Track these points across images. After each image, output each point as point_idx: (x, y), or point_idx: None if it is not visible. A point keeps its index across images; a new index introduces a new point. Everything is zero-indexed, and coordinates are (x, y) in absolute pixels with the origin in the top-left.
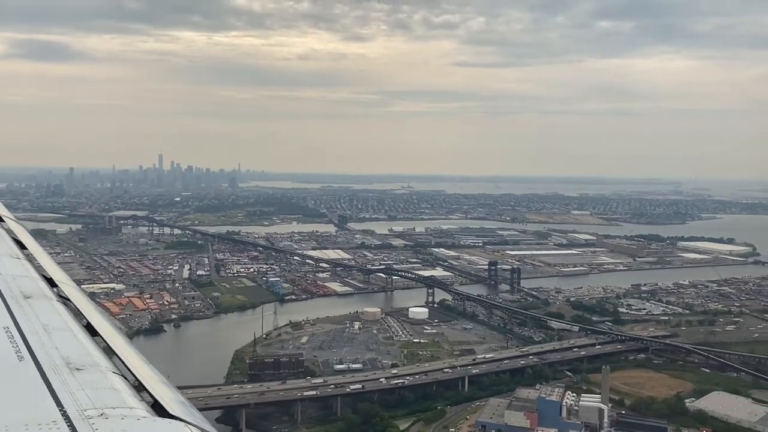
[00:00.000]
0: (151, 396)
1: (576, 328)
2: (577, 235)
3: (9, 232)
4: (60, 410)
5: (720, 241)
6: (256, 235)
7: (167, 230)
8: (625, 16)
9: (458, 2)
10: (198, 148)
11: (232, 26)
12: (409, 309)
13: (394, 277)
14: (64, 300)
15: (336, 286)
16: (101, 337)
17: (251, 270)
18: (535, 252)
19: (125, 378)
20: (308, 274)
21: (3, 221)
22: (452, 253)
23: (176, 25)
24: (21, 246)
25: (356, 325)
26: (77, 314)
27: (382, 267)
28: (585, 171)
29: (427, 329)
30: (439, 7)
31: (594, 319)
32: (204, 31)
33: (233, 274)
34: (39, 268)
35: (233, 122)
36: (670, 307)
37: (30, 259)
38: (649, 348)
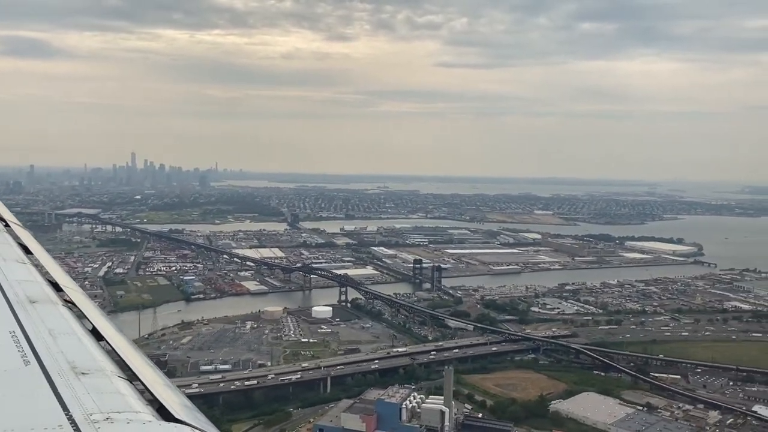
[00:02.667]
0: (157, 400)
1: (471, 327)
2: (526, 234)
3: (14, 236)
4: (66, 414)
5: (669, 241)
6: (199, 234)
7: (110, 228)
8: (606, 19)
9: (441, 3)
10: (177, 147)
11: (214, 24)
12: (313, 308)
13: (312, 276)
14: (70, 304)
15: (251, 285)
16: (107, 341)
17: (173, 268)
18: (475, 250)
19: (131, 382)
20: (229, 273)
21: (9, 226)
22: (390, 251)
23: (158, 23)
24: (26, 251)
25: (248, 324)
26: (82, 319)
27: (298, 266)
28: (566, 173)
29: (323, 328)
30: (422, 8)
31: (499, 318)
32: (186, 29)
33: (153, 272)
34: (44, 273)
35: (216, 121)
36: (586, 306)
37: (35, 263)
38: (540, 348)
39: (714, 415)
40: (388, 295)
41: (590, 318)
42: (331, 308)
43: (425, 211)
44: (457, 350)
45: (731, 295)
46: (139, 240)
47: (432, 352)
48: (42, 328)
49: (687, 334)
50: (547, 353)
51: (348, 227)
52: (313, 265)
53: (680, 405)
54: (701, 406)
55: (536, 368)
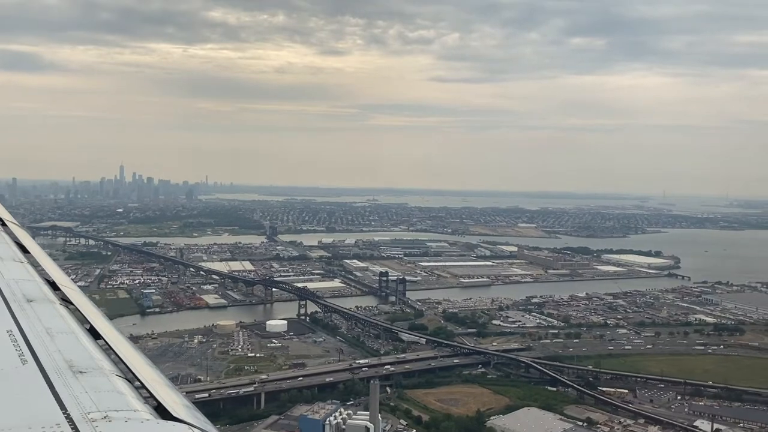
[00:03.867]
0: (155, 399)
1: (424, 340)
2: (504, 247)
3: (11, 235)
4: (64, 413)
5: (647, 254)
6: (173, 246)
7: (84, 241)
8: (596, 34)
9: (432, 18)
10: (170, 161)
11: (207, 39)
12: (267, 322)
13: (275, 289)
14: (67, 303)
15: (210, 299)
16: (104, 340)
17: (136, 282)
18: (449, 263)
19: (129, 381)
20: (192, 286)
21: (5, 225)
22: (362, 264)
23: (151, 37)
24: (23, 249)
25: (196, 339)
26: (80, 317)
27: (260, 279)
28: (558, 186)
29: (273, 342)
30: (414, 23)
31: (457, 331)
32: (179, 43)
33: (116, 285)
34: (41, 272)
35: (209, 135)
36: (549, 319)
37: (32, 262)
38: (490, 362)
39: (654, 431)
40: (346, 309)
41: (550, 331)
42: (285, 322)
43: (409, 224)
44: (407, 365)
45: (698, 308)
46: (110, 253)
47: (383, 366)
48: (39, 326)
49: (645, 347)
50: (497, 367)
51: (326, 240)
52: (277, 279)
53: (621, 420)
54: (642, 421)
55: (483, 382)
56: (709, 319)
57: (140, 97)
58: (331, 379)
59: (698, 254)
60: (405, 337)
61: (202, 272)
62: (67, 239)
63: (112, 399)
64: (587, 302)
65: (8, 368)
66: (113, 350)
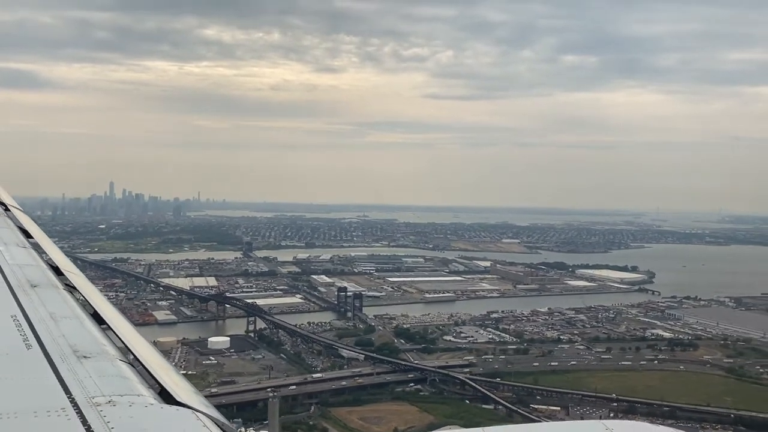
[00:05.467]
0: (159, 383)
1: (362, 357)
2: (479, 262)
3: (14, 220)
4: (68, 397)
5: (624, 269)
6: (143, 262)
7: None
8: (589, 51)
9: (426, 36)
10: (164, 178)
11: (202, 56)
12: (209, 339)
13: (228, 306)
14: (71, 288)
15: (160, 315)
16: (108, 325)
17: None
18: (419, 278)
19: (132, 366)
20: (148, 302)
21: (9, 210)
22: (329, 280)
23: (147, 55)
24: (26, 235)
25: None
26: (84, 303)
27: (210, 295)
28: (552, 203)
29: (210, 360)
30: (408, 41)
31: (403, 347)
32: (175, 60)
33: None
34: (45, 257)
35: (204, 152)
36: (502, 335)
37: (36, 247)
38: (427, 378)
39: None
40: (291, 325)
41: (500, 347)
42: (228, 339)
43: (391, 239)
44: (344, 381)
45: (659, 323)
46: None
47: (317, 383)
48: (43, 311)
49: (591, 363)
50: (434, 384)
51: (302, 256)
52: (238, 294)
53: None
54: None
55: (413, 400)
56: (667, 334)
57: (136, 114)
58: (251, 397)
59: (676, 269)
60: (345, 353)
61: (161, 288)
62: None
63: (116, 383)
64: (547, 317)
65: (13, 353)
66: (117, 335)
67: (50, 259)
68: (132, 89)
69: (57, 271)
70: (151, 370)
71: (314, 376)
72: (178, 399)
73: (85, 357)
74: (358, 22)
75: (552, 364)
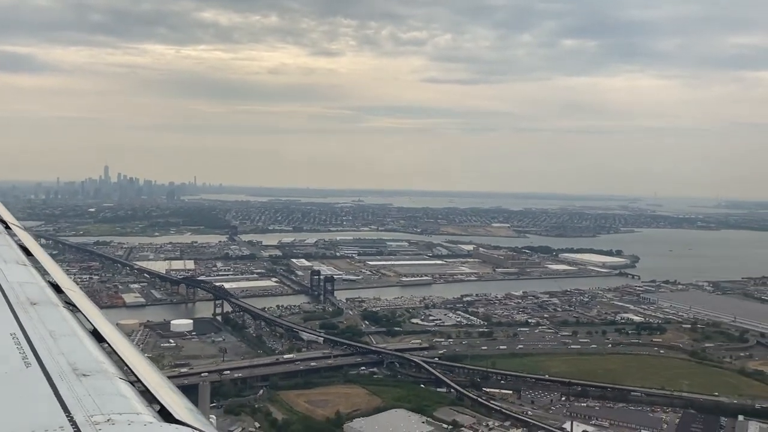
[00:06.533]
0: (158, 402)
1: (322, 339)
2: (463, 246)
3: (15, 238)
4: (67, 416)
5: (608, 253)
6: (125, 245)
7: (40, 241)
8: (587, 35)
9: (425, 19)
10: (160, 162)
11: (199, 40)
12: (171, 321)
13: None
14: (71, 306)
15: (129, 298)
16: (108, 343)
17: None
18: (398, 262)
19: (132, 384)
20: (120, 285)
21: (9, 228)
22: (308, 264)
23: (144, 38)
24: (27, 252)
25: None
26: (83, 321)
27: (181, 278)
28: (551, 188)
29: (169, 342)
30: (406, 24)
31: (367, 330)
32: (172, 44)
33: None
34: (45, 275)
35: (202, 136)
36: (471, 318)
37: (36, 265)
38: (384, 361)
39: None
40: (255, 308)
41: (465, 330)
42: (191, 321)
43: (380, 224)
44: (299, 363)
45: (632, 307)
46: (56, 252)
47: (270, 366)
48: (43, 329)
49: (554, 347)
50: (390, 367)
51: (287, 239)
52: (214, 278)
53: (489, 423)
54: (508, 423)
55: (364, 383)
56: (637, 318)
57: (133, 98)
58: (196, 381)
59: (661, 253)
60: (305, 336)
61: (135, 271)
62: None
63: (115, 402)
64: (520, 301)
65: (12, 371)
66: (117, 353)
67: (50, 276)
68: (129, 73)
69: (57, 288)
70: (150, 389)
71: (265, 360)
72: (178, 417)
73: (84, 375)
74: (355, 4)
75: (519, 347)
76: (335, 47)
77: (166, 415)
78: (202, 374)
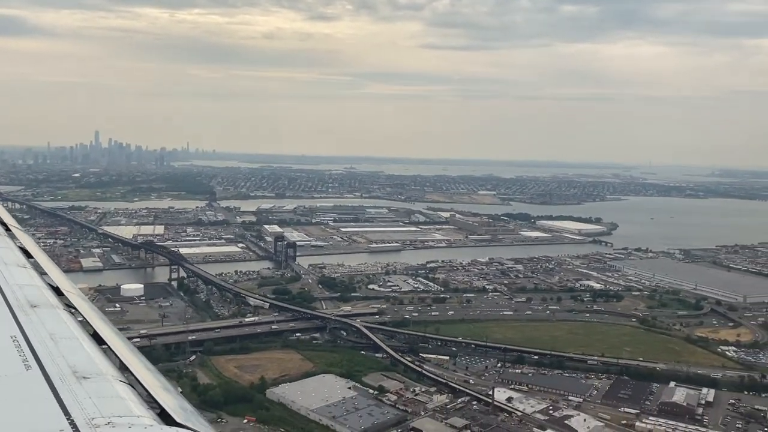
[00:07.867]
0: (158, 404)
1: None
2: (442, 213)
3: (15, 240)
4: (67, 419)
5: (588, 221)
6: (100, 210)
7: (11, 205)
8: (587, 1)
9: None
10: (153, 127)
11: (194, 3)
12: (122, 286)
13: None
14: (71, 309)
15: (87, 262)
16: (108, 345)
17: None
18: (372, 229)
19: (132, 387)
20: (82, 249)
21: (9, 230)
22: (279, 230)
23: (137, 1)
24: (27, 255)
25: None
26: (84, 323)
27: (140, 243)
28: (548, 155)
29: (115, 307)
30: None
31: (319, 295)
32: (166, 7)
33: None
34: (45, 277)
35: (197, 102)
36: (429, 284)
37: (36, 268)
38: (327, 326)
39: (440, 399)
40: (207, 274)
41: (418, 296)
42: (141, 286)
43: (367, 191)
44: (233, 328)
45: (595, 274)
46: (27, 216)
47: (209, 331)
48: (43, 332)
49: (507, 313)
50: (333, 332)
51: (266, 206)
52: (181, 243)
53: (415, 388)
54: (434, 389)
55: (301, 348)
56: (597, 286)
57: (126, 63)
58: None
59: (642, 221)
60: (252, 301)
61: (100, 235)
62: None
63: (115, 405)
64: (484, 267)
65: (12, 374)
66: (117, 356)
67: (50, 279)
68: (123, 37)
69: (57, 291)
70: (150, 391)
71: (200, 325)
72: (178, 420)
73: (84, 378)
74: None
75: (470, 314)
76: (331, 11)
77: (166, 418)
78: (133, 340)
